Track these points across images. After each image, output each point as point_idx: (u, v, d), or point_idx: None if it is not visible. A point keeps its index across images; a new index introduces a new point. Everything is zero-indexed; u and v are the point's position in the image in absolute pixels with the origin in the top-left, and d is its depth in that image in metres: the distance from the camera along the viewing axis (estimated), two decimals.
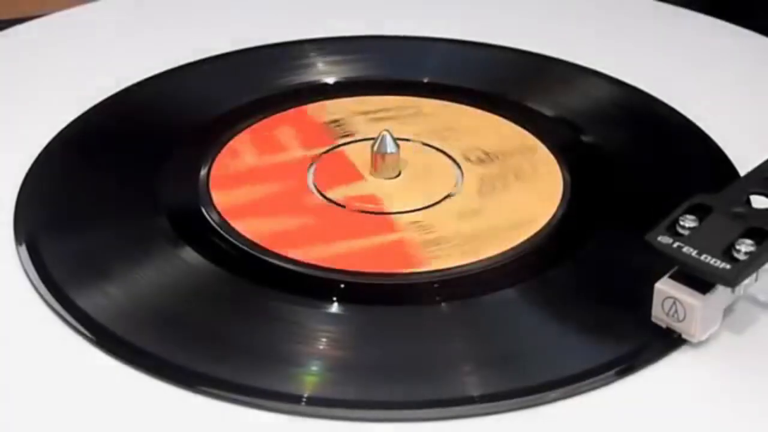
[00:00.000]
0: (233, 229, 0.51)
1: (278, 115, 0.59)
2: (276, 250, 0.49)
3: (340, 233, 0.51)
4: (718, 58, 0.67)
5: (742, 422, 0.42)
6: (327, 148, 0.57)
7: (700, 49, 0.67)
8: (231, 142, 0.57)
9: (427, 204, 0.53)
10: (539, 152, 0.56)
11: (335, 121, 0.59)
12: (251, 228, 0.51)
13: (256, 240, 0.50)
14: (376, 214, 0.52)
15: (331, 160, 0.56)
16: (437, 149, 0.57)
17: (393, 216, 0.52)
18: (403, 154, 0.55)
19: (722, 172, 0.54)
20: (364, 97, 0.61)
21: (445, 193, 0.53)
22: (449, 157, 0.56)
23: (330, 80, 0.64)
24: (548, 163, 0.56)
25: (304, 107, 0.60)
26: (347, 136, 0.57)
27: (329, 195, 0.53)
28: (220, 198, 0.53)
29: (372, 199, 0.53)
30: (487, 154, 0.56)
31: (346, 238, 0.50)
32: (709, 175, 0.55)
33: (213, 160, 0.56)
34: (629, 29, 0.70)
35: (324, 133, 0.58)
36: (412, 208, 0.52)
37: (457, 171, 0.55)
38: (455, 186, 0.54)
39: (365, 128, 0.58)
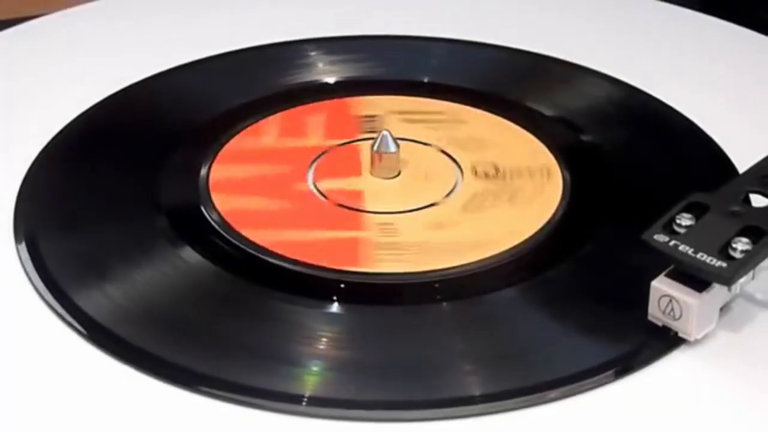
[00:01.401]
0: (233, 229, 0.51)
1: (316, 103, 0.60)
2: (236, 228, 0.50)
3: (306, 222, 0.51)
4: (717, 57, 0.67)
5: (742, 421, 0.42)
6: (346, 140, 0.57)
7: (699, 49, 0.67)
8: (259, 123, 0.58)
9: (406, 209, 0.52)
10: (554, 178, 0.55)
11: (370, 116, 0.59)
12: (227, 204, 0.51)
13: (255, 239, 0.50)
14: (351, 210, 0.52)
15: (341, 152, 0.56)
16: (450, 157, 0.56)
17: (366, 214, 0.52)
18: (412, 157, 0.55)
19: (722, 171, 0.54)
20: (408, 97, 0.61)
21: (431, 202, 0.53)
22: (458, 167, 0.56)
23: (330, 80, 0.64)
24: (548, 162, 0.56)
25: (345, 99, 0.61)
26: (373, 132, 0.57)
27: (319, 185, 0.53)
28: (220, 198, 0.53)
29: (356, 195, 0.53)
30: (497, 170, 0.55)
31: (309, 227, 0.51)
32: (708, 175, 0.55)
33: (213, 159, 0.56)
34: (629, 29, 0.70)
35: (353, 126, 0.58)
36: (389, 210, 0.52)
37: (457, 182, 0.55)
38: (445, 196, 0.54)
39: (395, 127, 0.57)
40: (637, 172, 0.56)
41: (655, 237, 0.45)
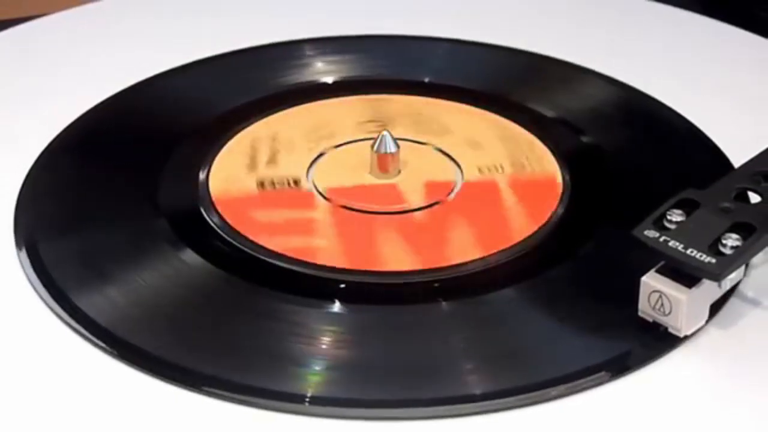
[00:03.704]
0: (234, 231, 0.51)
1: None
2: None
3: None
4: (717, 58, 0.67)
5: (739, 420, 0.42)
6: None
7: (699, 50, 0.68)
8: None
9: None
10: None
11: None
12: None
13: (255, 239, 0.50)
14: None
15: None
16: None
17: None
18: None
19: (721, 171, 0.54)
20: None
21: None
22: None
23: (330, 80, 0.64)
24: (548, 163, 0.56)
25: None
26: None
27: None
28: (219, 198, 0.53)
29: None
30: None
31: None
32: (708, 175, 0.55)
33: (213, 160, 0.56)
34: (629, 29, 0.70)
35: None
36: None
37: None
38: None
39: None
40: (637, 172, 0.56)
41: (646, 233, 0.45)
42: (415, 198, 0.53)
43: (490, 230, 0.51)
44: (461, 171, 0.55)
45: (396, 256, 0.49)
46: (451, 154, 0.56)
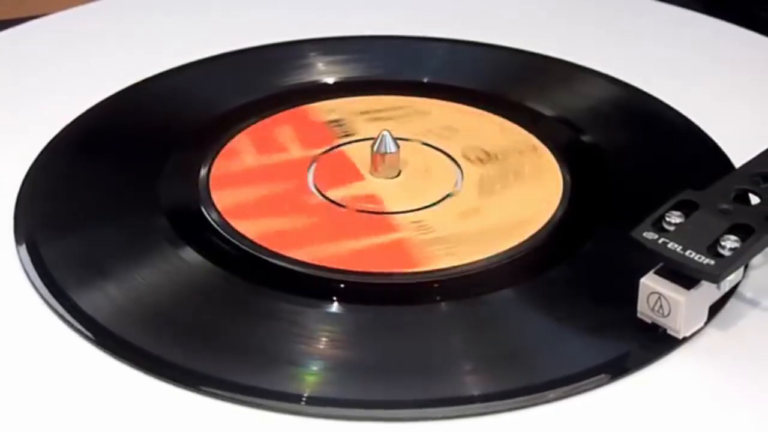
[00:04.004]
0: (233, 229, 0.51)
1: (278, 114, 0.60)
2: (276, 250, 0.49)
3: (340, 233, 0.51)
4: (717, 57, 0.67)
5: (739, 421, 0.42)
6: (327, 147, 0.57)
7: (699, 49, 0.67)
8: (230, 143, 0.57)
9: (427, 204, 0.53)
10: (539, 151, 0.56)
11: (335, 121, 0.59)
12: (252, 228, 0.51)
13: (257, 240, 0.50)
14: (376, 214, 0.52)
15: (331, 159, 0.56)
16: (437, 149, 0.57)
17: (393, 216, 0.52)
18: (402, 153, 0.55)
19: (722, 172, 0.54)
20: (363, 96, 0.61)
21: (445, 193, 0.53)
22: (449, 156, 0.56)
23: (330, 80, 0.64)
24: (548, 162, 0.56)
25: (304, 107, 0.60)
26: (347, 135, 0.57)
27: (329, 195, 0.53)
28: (220, 198, 0.53)
29: (372, 198, 0.53)
30: (486, 153, 0.56)
31: (347, 238, 0.50)
32: (708, 175, 0.55)
33: (213, 160, 0.56)
34: (629, 29, 0.70)
35: (324, 132, 0.58)
36: (412, 208, 0.52)
37: (457, 171, 0.55)
38: (455, 186, 0.54)
39: (365, 128, 0.58)
40: (637, 172, 0.56)
41: (645, 234, 0.45)
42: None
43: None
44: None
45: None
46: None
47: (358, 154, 0.56)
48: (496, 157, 0.56)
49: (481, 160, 0.56)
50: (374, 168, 0.54)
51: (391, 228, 0.51)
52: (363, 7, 0.72)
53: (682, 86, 0.63)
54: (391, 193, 0.53)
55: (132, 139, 0.58)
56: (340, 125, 0.58)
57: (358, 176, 0.55)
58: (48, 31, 0.69)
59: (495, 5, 0.73)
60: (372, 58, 0.65)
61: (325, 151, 0.56)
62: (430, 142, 0.57)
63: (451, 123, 0.59)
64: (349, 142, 0.57)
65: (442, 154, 0.56)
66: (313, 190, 0.54)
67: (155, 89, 0.62)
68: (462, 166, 0.55)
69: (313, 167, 0.55)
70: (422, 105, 0.61)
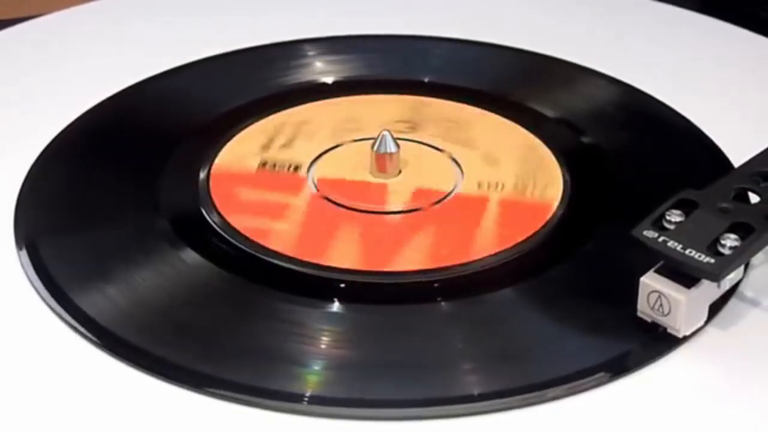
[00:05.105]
0: (234, 230, 0.51)
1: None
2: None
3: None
4: (717, 57, 0.67)
5: (739, 420, 0.42)
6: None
7: (699, 49, 0.68)
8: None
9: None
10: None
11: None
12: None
13: (257, 240, 0.50)
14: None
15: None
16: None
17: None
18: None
19: (721, 172, 0.54)
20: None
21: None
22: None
23: (329, 80, 0.64)
24: (549, 162, 0.56)
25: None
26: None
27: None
28: (220, 198, 0.53)
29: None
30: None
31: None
32: (708, 175, 0.55)
33: (213, 160, 0.56)
34: (629, 29, 0.70)
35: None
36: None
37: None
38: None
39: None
40: (637, 172, 0.56)
41: (645, 233, 0.45)
42: (398, 201, 0.53)
43: (452, 243, 0.50)
44: (461, 182, 0.55)
45: (343, 252, 0.49)
46: (462, 165, 0.56)
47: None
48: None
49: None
50: (374, 167, 0.54)
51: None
52: (363, 7, 0.72)
53: (681, 87, 0.63)
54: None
55: (132, 140, 0.58)
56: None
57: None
58: (48, 31, 0.69)
59: (496, 5, 0.73)
60: (372, 58, 0.65)
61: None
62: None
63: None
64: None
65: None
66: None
67: (155, 89, 0.62)
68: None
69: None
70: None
